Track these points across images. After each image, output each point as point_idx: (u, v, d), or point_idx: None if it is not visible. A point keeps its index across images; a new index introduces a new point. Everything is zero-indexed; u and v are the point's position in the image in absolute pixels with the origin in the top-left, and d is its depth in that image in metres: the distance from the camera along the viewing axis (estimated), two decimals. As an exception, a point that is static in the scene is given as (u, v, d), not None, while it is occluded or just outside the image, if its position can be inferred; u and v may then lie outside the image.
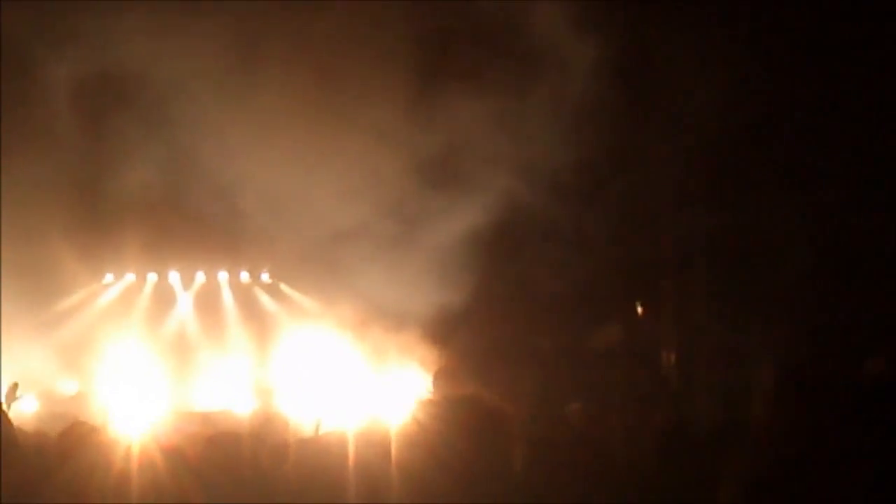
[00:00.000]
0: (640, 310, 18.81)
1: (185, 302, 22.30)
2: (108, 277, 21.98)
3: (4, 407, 9.37)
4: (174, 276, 22.46)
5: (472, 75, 15.78)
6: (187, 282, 22.50)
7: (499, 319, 17.20)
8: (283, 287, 21.77)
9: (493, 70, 15.84)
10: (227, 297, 22.35)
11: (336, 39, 16.39)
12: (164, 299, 22.24)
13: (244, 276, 22.50)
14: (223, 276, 22.51)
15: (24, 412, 16.34)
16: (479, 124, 15.86)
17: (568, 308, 17.42)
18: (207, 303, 22.27)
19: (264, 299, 22.07)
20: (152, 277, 22.34)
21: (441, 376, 10.36)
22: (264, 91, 16.49)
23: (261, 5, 16.61)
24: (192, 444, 7.38)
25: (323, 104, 16.35)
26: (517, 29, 15.60)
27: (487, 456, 6.38)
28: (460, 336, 17.48)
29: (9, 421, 7.66)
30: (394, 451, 6.78)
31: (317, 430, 10.50)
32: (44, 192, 18.22)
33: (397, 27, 15.89)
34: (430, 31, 15.99)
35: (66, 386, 19.13)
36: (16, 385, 10.02)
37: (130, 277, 22.21)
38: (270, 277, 22.28)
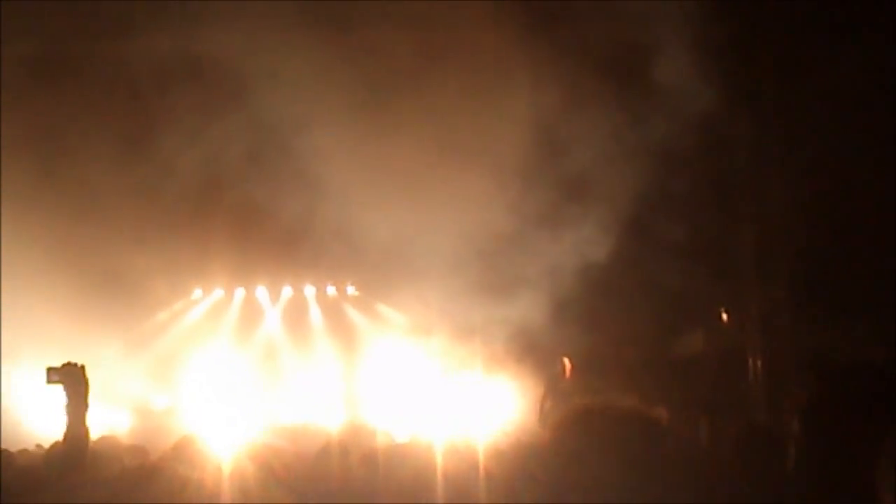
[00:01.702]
0: (724, 316, 18.69)
1: (272, 316, 22.44)
2: (197, 293, 22.19)
3: None
4: (261, 291, 22.63)
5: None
6: (274, 296, 22.65)
7: (593, 328, 17.14)
8: (370, 300, 21.84)
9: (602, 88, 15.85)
10: (314, 310, 22.46)
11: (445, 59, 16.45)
12: (251, 314, 22.40)
13: (331, 290, 22.60)
14: (310, 290, 22.64)
15: (119, 428, 16.61)
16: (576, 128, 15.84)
17: (655, 315, 17.35)
18: (295, 317, 22.38)
19: (351, 312, 22.15)
20: (240, 292, 22.52)
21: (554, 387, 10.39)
22: (349, 105, 16.58)
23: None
24: (281, 457, 7.46)
25: (414, 121, 16.42)
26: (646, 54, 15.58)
27: (576, 466, 6.41)
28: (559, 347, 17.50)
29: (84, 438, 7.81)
30: (482, 462, 6.83)
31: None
32: (133, 209, 18.44)
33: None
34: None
35: (158, 401, 19.36)
36: None
37: (219, 293, 22.40)
38: (357, 290, 22.35)
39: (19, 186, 17.49)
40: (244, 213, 18.97)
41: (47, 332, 18.24)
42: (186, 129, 17.38)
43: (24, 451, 9.98)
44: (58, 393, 7.80)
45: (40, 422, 15.30)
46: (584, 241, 16.02)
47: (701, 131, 15.63)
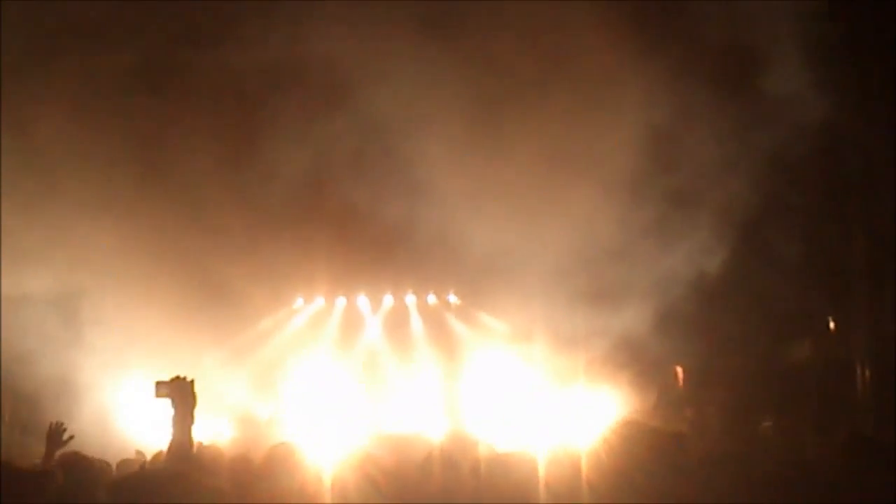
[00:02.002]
0: (831, 324, 18.43)
1: (373, 325, 22.48)
2: (299, 302, 22.30)
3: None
4: (363, 300, 22.68)
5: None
6: (375, 305, 22.70)
7: (700, 338, 16.95)
8: (472, 309, 21.79)
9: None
10: (415, 319, 22.47)
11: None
12: (353, 323, 22.46)
13: (431, 299, 22.60)
14: (411, 298, 22.66)
15: (222, 438, 16.69)
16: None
17: (762, 324, 17.14)
18: (396, 325, 22.41)
19: (452, 321, 22.12)
20: (341, 301, 22.60)
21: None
22: (457, 111, 16.56)
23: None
24: (382, 467, 7.43)
25: (522, 130, 16.37)
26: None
27: (671, 479, 6.32)
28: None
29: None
30: (584, 473, 6.74)
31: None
32: (235, 217, 18.56)
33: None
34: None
35: (261, 410, 19.43)
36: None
37: (320, 302, 22.49)
38: (459, 299, 22.32)
39: (124, 194, 17.67)
40: (345, 220, 19.03)
41: (151, 341, 18.43)
42: (289, 135, 17.48)
43: (124, 461, 9.99)
44: (165, 405, 7.82)
45: (147, 433, 15.44)
46: (692, 251, 15.83)
47: (810, 139, 15.42)
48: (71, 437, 9.62)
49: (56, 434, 9.60)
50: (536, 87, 16.28)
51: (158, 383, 7.78)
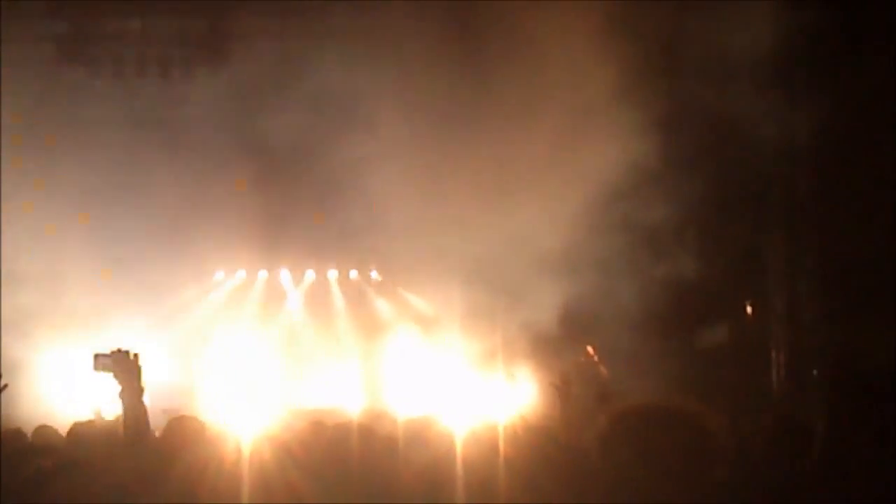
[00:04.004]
0: (749, 309, 18.60)
1: (295, 299, 22.43)
2: (219, 274, 22.19)
3: None
4: (284, 274, 22.61)
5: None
6: (297, 279, 22.64)
7: (613, 320, 17.03)
8: (393, 286, 21.79)
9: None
10: (336, 295, 22.44)
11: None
12: (274, 297, 22.40)
13: (353, 275, 22.58)
14: (332, 273, 22.62)
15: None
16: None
17: (679, 307, 17.25)
18: (317, 301, 22.37)
19: (374, 298, 22.12)
20: (263, 275, 22.52)
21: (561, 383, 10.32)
22: (384, 86, 16.56)
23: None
24: (301, 440, 7.42)
25: (444, 102, 16.38)
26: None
27: (597, 455, 6.35)
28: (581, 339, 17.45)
29: None
30: (502, 449, 6.78)
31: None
32: (156, 186, 18.46)
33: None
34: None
35: (177, 381, 19.32)
36: None
37: (241, 274, 22.40)
38: (380, 276, 22.32)
39: (45, 160, 17.56)
40: (269, 193, 18.99)
41: (71, 311, 18.29)
42: (217, 105, 17.41)
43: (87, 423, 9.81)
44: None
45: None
46: (611, 231, 15.92)
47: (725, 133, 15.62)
48: (6, 386, 9.48)
49: None
50: (472, 65, 16.31)
51: (97, 356, 7.45)
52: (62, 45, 18.71)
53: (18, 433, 8.95)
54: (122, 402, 7.26)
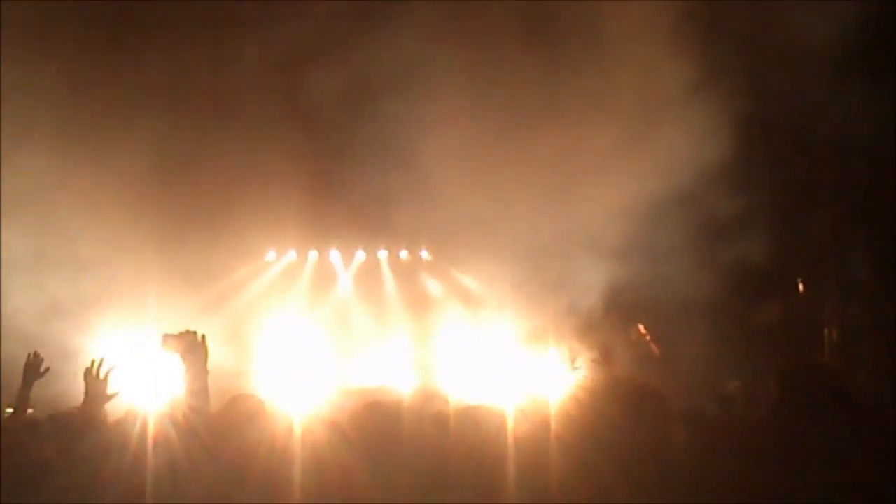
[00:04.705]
0: (800, 287, 18.52)
1: (345, 280, 22.49)
2: (271, 255, 22.28)
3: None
4: (335, 254, 22.68)
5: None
6: (347, 259, 22.71)
7: (660, 299, 16.99)
8: (443, 265, 21.80)
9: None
10: (387, 274, 22.49)
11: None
12: (325, 277, 22.47)
13: (404, 254, 22.62)
14: (383, 253, 22.67)
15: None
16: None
17: (728, 286, 17.18)
18: (368, 281, 22.43)
19: (424, 277, 22.15)
20: (313, 255, 22.59)
21: (601, 357, 10.29)
22: (433, 69, 16.56)
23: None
24: (352, 419, 7.44)
25: (493, 86, 16.40)
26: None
27: (645, 434, 6.35)
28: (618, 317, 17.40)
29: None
30: (553, 427, 6.78)
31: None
32: (207, 168, 18.52)
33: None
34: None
35: (228, 363, 19.42)
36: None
37: (292, 255, 22.48)
38: (430, 255, 22.35)
39: (94, 148, 17.64)
40: (319, 174, 19.02)
41: (124, 297, 18.40)
42: (268, 88, 17.45)
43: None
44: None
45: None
46: (663, 210, 15.87)
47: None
48: (48, 369, 9.58)
49: (33, 366, 9.57)
50: (523, 53, 16.32)
51: (166, 336, 7.53)
52: (104, 30, 18.81)
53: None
54: (186, 383, 7.30)
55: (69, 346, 15.06)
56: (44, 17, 17.28)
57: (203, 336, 7.40)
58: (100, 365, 7.80)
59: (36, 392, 9.42)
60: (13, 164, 16.74)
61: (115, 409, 8.01)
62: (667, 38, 15.31)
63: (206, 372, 7.35)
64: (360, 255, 22.70)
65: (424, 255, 22.41)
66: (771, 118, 15.96)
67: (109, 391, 7.82)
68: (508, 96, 16.47)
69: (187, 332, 7.44)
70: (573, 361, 11.18)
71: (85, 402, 7.70)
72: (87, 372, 7.77)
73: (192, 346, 7.36)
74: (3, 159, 16.62)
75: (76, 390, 7.74)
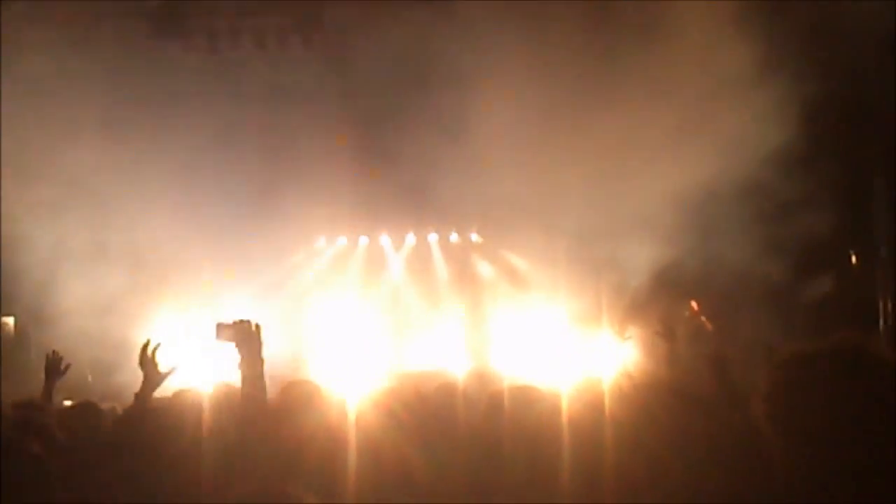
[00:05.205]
0: (854, 258, 18.39)
1: (396, 264, 22.53)
2: (321, 241, 22.34)
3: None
4: (385, 239, 22.72)
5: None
6: (398, 244, 22.74)
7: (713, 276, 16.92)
8: (494, 247, 21.80)
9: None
10: (437, 258, 22.50)
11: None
12: (375, 262, 22.51)
13: (454, 237, 22.63)
14: (433, 237, 22.68)
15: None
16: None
17: (782, 260, 17.09)
18: (418, 264, 22.46)
19: (475, 260, 22.15)
20: (363, 240, 22.64)
21: (662, 331, 10.25)
22: (479, 54, 16.56)
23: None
24: (405, 402, 7.45)
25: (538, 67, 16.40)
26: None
27: (704, 417, 6.32)
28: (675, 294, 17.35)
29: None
30: (608, 407, 6.75)
31: None
32: (256, 157, 18.59)
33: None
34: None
35: (283, 350, 19.51)
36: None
37: (342, 241, 22.53)
38: (480, 237, 22.35)
39: (147, 131, 17.76)
40: (366, 159, 19.05)
41: (176, 287, 18.54)
42: (314, 74, 17.50)
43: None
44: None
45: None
46: (710, 184, 15.79)
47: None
48: (68, 366, 9.70)
49: (54, 364, 9.69)
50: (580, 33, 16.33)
51: (220, 325, 7.52)
52: (155, 21, 18.90)
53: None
54: (242, 371, 7.31)
55: (128, 339, 15.20)
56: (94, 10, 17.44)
57: (257, 325, 7.39)
58: (150, 347, 7.81)
59: (98, 384, 9.54)
60: (68, 157, 16.88)
61: (173, 394, 8.05)
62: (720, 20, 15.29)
63: (261, 360, 7.33)
64: (411, 239, 22.72)
65: (474, 237, 22.40)
66: (824, 95, 15.84)
67: (162, 370, 7.83)
68: (561, 77, 16.44)
69: (241, 321, 7.42)
70: (624, 333, 11.12)
71: (142, 387, 7.73)
72: (142, 354, 7.79)
73: (246, 335, 7.33)
74: (58, 154, 16.77)
75: (136, 382, 7.77)
